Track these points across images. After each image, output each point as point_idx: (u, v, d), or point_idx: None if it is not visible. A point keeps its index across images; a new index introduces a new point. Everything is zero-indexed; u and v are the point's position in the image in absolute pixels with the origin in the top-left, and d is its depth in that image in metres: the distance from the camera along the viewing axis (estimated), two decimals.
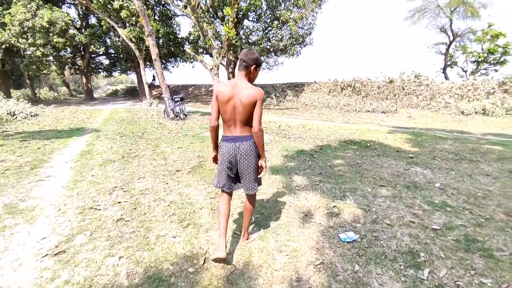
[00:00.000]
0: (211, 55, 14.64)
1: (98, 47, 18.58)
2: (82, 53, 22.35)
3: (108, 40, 21.50)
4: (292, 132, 7.29)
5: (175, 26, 17.93)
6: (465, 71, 19.93)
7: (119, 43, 19.51)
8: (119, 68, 24.62)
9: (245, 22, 19.05)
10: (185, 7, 12.55)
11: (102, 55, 24.78)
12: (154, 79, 28.57)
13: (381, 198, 3.13)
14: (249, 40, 17.91)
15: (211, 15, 17.57)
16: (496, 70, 18.61)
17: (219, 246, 1.89)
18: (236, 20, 16.84)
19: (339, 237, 2.34)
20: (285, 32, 16.16)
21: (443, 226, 2.52)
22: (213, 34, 14.09)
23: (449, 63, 20.04)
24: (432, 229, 2.47)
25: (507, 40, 17.57)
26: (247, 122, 1.87)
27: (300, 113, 12.30)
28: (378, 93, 15.41)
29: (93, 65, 24.69)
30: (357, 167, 4.25)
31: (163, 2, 15.77)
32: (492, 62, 18.69)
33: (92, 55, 23.69)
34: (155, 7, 16.40)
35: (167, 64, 22.95)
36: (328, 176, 3.88)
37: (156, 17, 16.19)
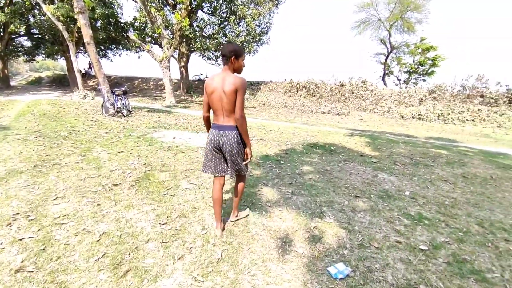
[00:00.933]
0: (160, 46, 13.17)
1: (18, 26, 15.05)
2: (1, 34, 17.94)
3: (31, 18, 17.68)
4: (253, 134, 6.80)
5: (116, 7, 15.61)
6: (399, 80, 22.50)
7: (44, 22, 16.20)
8: (43, 52, 20.58)
9: (200, 14, 17.87)
10: None
11: (23, 35, 20.35)
12: (90, 67, 24.91)
13: (360, 213, 2.84)
14: (204, 33, 16.81)
15: (161, 1, 15.90)
16: (424, 80, 21.42)
17: (216, 231, 2.32)
18: (189, 9, 15.60)
19: (329, 272, 1.90)
20: (242, 28, 15.59)
21: (429, 245, 2.31)
22: (163, 22, 12.65)
23: (387, 72, 22.32)
24: (421, 250, 2.23)
25: (437, 53, 20.32)
26: (230, 111, 1.97)
27: (258, 113, 11.93)
28: (331, 95, 16.12)
29: (12, 48, 20.12)
30: (327, 175, 3.97)
31: None
32: (421, 72, 21.46)
33: (12, 36, 19.24)
34: None
35: (106, 51, 20.11)
36: (299, 186, 3.48)
37: None
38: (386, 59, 21.93)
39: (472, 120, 10.88)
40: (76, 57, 13.53)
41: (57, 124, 6.55)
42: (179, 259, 2.01)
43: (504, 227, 2.72)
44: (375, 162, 4.78)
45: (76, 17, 8.44)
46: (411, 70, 21.51)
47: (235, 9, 14.75)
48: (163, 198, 2.98)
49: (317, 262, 2.02)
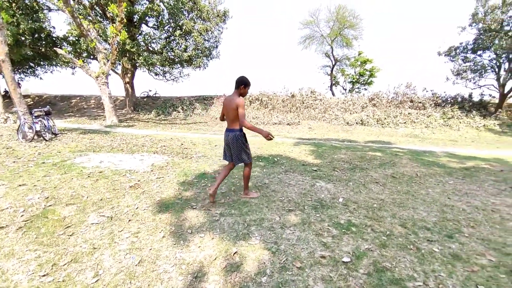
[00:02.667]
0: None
1: None
2: None
3: None
4: (196, 150, 6.42)
5: (47, 21, 14.07)
6: (345, 89, 24.42)
7: None
8: None
9: (146, 28, 17.17)
10: None
11: None
12: (18, 86, 21.94)
13: (290, 229, 2.65)
14: (150, 48, 16.11)
15: (98, 14, 14.88)
16: (365, 89, 23.56)
17: (210, 188, 3.21)
18: (130, 23, 14.83)
19: None
20: (189, 42, 15.32)
21: (352, 255, 2.20)
22: (99, 35, 11.73)
23: (334, 82, 24.06)
24: (343, 263, 2.09)
25: (373, 64, 22.61)
26: (234, 120, 3.02)
27: (208, 128, 11.57)
28: (283, 106, 16.57)
29: None
30: (264, 189, 3.78)
31: None
32: (362, 82, 23.59)
33: None
34: None
35: (36, 68, 17.93)
36: (231, 205, 3.20)
37: (18, 9, 12.19)
38: (331, 71, 23.67)
39: (404, 122, 12.09)
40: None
41: None
42: None
43: (427, 225, 2.78)
44: (315, 170, 4.78)
45: None
46: (354, 80, 23.53)
47: (181, 24, 14.48)
48: (56, 240, 2.42)
49: None
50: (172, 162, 5.24)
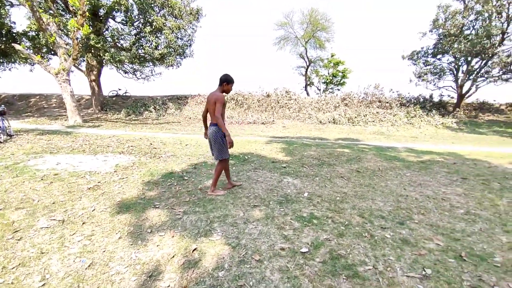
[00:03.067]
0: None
1: None
2: None
3: None
4: (166, 150, 6.23)
5: (7, 17, 12.80)
6: (319, 90, 25.16)
7: None
8: None
9: (113, 23, 16.32)
10: None
11: None
12: None
13: (253, 223, 2.66)
14: (118, 44, 15.33)
15: (61, 8, 13.87)
16: (338, 89, 24.45)
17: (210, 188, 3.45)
18: (95, 17, 14.03)
19: None
20: (161, 40, 14.83)
21: (311, 246, 2.26)
22: (60, 29, 10.95)
23: (308, 83, 24.68)
24: (301, 254, 2.14)
25: (345, 66, 23.53)
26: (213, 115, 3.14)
27: (181, 127, 11.30)
28: (258, 106, 16.66)
29: None
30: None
31: None
32: (335, 83, 24.46)
33: None
34: None
35: None
36: (195, 203, 3.14)
37: None
38: (306, 72, 24.26)
39: (373, 121, 12.75)
40: None
41: None
42: None
43: (382, 214, 2.95)
44: (284, 167, 4.85)
45: None
46: (327, 81, 24.32)
47: (151, 20, 13.97)
48: (5, 244, 2.23)
49: None
50: (138, 162, 5.03)
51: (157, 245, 2.26)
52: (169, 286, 1.77)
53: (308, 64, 23.77)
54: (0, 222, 2.58)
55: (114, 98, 18.36)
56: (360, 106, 15.62)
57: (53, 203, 3.10)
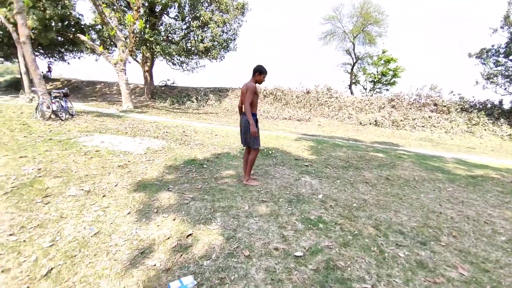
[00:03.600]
0: None
1: None
2: None
3: None
4: (196, 138, 6.50)
5: (72, 8, 14.79)
6: (365, 89, 23.46)
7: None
8: (1, 55, 19.04)
9: (167, 19, 17.53)
10: None
11: None
12: (49, 70, 23.47)
13: (255, 218, 2.61)
14: (169, 38, 16.44)
15: (123, 4, 15.39)
16: (387, 89, 22.49)
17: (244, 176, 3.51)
18: (151, 13, 15.22)
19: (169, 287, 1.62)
20: (206, 34, 15.43)
21: (307, 250, 2.12)
22: (120, 24, 12.17)
23: (353, 81, 23.20)
24: (294, 257, 2.02)
25: (397, 64, 21.49)
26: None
27: (217, 118, 11.66)
28: (297, 102, 16.28)
29: None
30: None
31: None
32: (384, 82, 22.53)
33: None
34: None
35: (65, 54, 19.02)
36: (206, 191, 3.21)
37: None
38: (352, 69, 22.81)
39: (423, 126, 11.39)
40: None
41: None
42: (1, 272, 1.67)
43: (402, 229, 2.61)
44: (306, 165, 4.65)
45: (15, 17, 7.78)
46: (375, 80, 22.52)
47: (198, 15, 14.61)
48: (32, 207, 2.58)
49: (163, 276, 1.74)
50: (168, 147, 5.35)
51: (158, 225, 2.37)
52: (155, 265, 1.84)
53: (354, 61, 22.29)
54: (36, 187, 3.00)
55: (163, 88, 19.85)
56: (411, 108, 14.07)
57: (86, 175, 3.48)
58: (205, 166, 4.23)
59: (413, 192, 3.71)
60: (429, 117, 12.24)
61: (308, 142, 6.82)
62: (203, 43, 15.15)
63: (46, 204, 2.65)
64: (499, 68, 12.89)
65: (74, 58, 19.40)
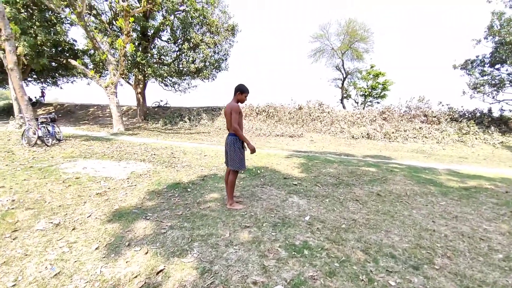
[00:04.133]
0: None
1: None
2: None
3: None
4: (184, 159, 6.35)
5: (64, 34, 15.06)
6: (357, 102, 23.83)
7: None
8: None
9: (160, 42, 17.94)
10: (72, 13, 10.60)
11: None
12: (42, 95, 23.52)
13: (235, 247, 2.42)
14: (161, 61, 16.73)
15: (117, 29, 15.75)
16: (378, 102, 22.85)
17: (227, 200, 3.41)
18: (144, 37, 15.58)
19: None
20: (197, 55, 15.75)
21: (289, 283, 1.93)
22: (111, 48, 12.36)
23: (345, 95, 23.60)
24: None
25: (385, 78, 22.01)
26: (230, 124, 3.13)
27: (209, 138, 11.57)
28: (289, 118, 16.35)
29: None
30: None
31: (44, 7, 12.99)
32: (375, 96, 22.94)
33: None
34: (34, 11, 13.35)
35: (59, 78, 19.15)
36: (187, 218, 3.03)
37: (36, 21, 13.16)
38: (342, 84, 23.28)
39: (414, 137, 11.42)
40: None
41: None
42: None
43: (394, 252, 2.44)
44: (295, 184, 4.51)
45: (2, 44, 7.83)
46: (366, 94, 22.95)
47: (189, 37, 14.98)
48: (1, 242, 2.39)
49: None
50: (153, 170, 5.18)
51: (127, 261, 2.17)
52: None
53: (344, 76, 22.81)
54: (6, 221, 2.80)
55: (156, 109, 19.89)
56: (402, 120, 14.20)
57: (59, 206, 3.28)
58: (189, 190, 4.06)
59: (405, 209, 3.57)
60: (420, 128, 12.32)
61: (298, 159, 6.71)
62: (194, 64, 15.42)
63: (13, 239, 2.45)
64: (485, 77, 13.21)
65: (67, 82, 19.51)
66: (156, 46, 17.60)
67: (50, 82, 19.74)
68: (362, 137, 12.15)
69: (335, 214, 3.28)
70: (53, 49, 16.33)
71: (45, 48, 13.65)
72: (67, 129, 12.91)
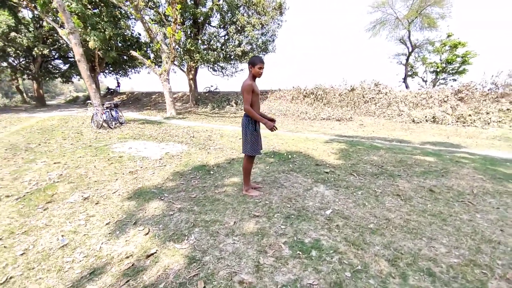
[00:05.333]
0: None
1: (42, 49, 16.92)
2: (34, 57, 20.49)
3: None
4: (219, 142, 6.39)
5: (128, 28, 16.68)
6: (425, 81, 20.31)
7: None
8: (75, 73, 22.88)
9: (209, 28, 18.34)
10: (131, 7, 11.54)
11: (57, 58, 23.00)
12: (118, 85, 27.00)
13: (235, 237, 2.23)
14: (210, 46, 17.13)
15: (171, 20, 16.65)
16: (454, 80, 19.03)
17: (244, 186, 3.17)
18: (195, 24, 16.08)
19: None
20: (243, 37, 15.52)
21: None
22: (165, 38, 13.13)
23: (410, 73, 20.34)
24: None
25: (467, 49, 18.02)
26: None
27: None
28: (339, 101, 15.02)
29: (47, 70, 22.76)
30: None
31: (110, 3, 14.51)
32: (450, 71, 19.14)
33: (46, 59, 21.89)
34: (101, 7, 15.08)
35: (128, 69, 21.64)
36: (199, 201, 2.96)
37: (105, 17, 14.88)
38: (407, 60, 20.02)
39: (499, 121, 9.07)
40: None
41: (41, 137, 6.91)
42: None
43: (433, 269, 1.87)
44: (327, 172, 4.01)
45: (67, 37, 9.03)
46: (438, 70, 19.31)
47: (235, 19, 14.80)
48: (32, 212, 2.73)
49: None
50: (186, 152, 5.34)
51: (126, 240, 2.20)
52: None
53: (410, 50, 19.51)
54: (46, 193, 3.20)
55: (206, 94, 20.82)
56: (485, 100, 11.45)
57: (95, 181, 3.62)
58: (211, 172, 4.01)
59: (466, 211, 2.77)
60: (507, 109, 9.72)
61: (339, 145, 6.02)
62: (240, 47, 15.28)
63: (44, 210, 2.77)
64: None
65: (135, 73, 21.91)
66: (207, 33, 18.07)
67: (122, 73, 22.45)
68: (426, 120, 10.29)
69: (365, 210, 2.75)
70: (121, 43, 18.40)
71: (113, 42, 15.40)
72: (131, 114, 14.58)
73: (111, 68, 23.35)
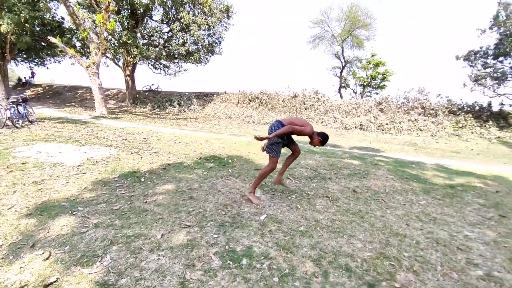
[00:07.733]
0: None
1: None
2: None
3: None
4: (155, 146, 5.90)
5: (48, 11, 14.18)
6: (355, 93, 23.13)
7: None
8: None
9: (150, 22, 17.04)
10: None
11: None
12: (32, 76, 22.79)
13: (161, 253, 2.02)
14: (151, 42, 15.94)
15: (103, 6, 14.86)
16: (376, 93, 22.17)
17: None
18: (132, 15, 14.73)
19: None
20: (188, 36, 14.95)
21: None
22: (95, 26, 11.61)
23: (343, 85, 22.88)
24: None
25: (386, 68, 21.22)
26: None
27: (194, 124, 11.09)
28: (282, 106, 15.80)
29: None
30: (184, 196, 3.16)
31: None
32: (374, 86, 22.23)
33: None
34: None
35: (46, 58, 18.38)
36: (122, 213, 2.62)
37: None
38: (341, 73, 22.50)
39: (408, 130, 10.95)
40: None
41: None
42: None
43: (350, 264, 2.03)
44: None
45: None
46: (365, 84, 22.23)
47: (179, 17, 14.15)
48: None
49: None
50: (115, 157, 4.75)
51: (21, 267, 1.77)
52: None
53: (343, 65, 22.01)
54: None
55: (146, 93, 19.25)
56: (398, 112, 13.67)
57: None
58: (142, 179, 3.64)
59: (379, 208, 3.16)
60: (415, 120, 11.83)
61: None
62: (185, 46, 14.66)
63: None
64: (487, 70, 12.59)
65: (55, 62, 18.74)
66: (148, 27, 16.75)
67: (39, 62, 18.96)
68: (355, 127, 11.68)
69: (297, 213, 2.87)
70: (39, 27, 15.51)
71: (28, 26, 12.84)
72: (48, 111, 12.39)
73: (24, 56, 19.48)
